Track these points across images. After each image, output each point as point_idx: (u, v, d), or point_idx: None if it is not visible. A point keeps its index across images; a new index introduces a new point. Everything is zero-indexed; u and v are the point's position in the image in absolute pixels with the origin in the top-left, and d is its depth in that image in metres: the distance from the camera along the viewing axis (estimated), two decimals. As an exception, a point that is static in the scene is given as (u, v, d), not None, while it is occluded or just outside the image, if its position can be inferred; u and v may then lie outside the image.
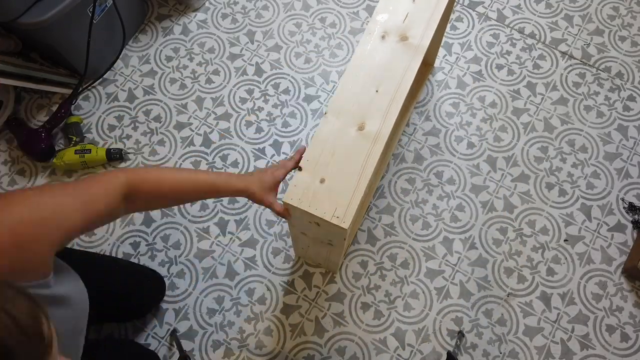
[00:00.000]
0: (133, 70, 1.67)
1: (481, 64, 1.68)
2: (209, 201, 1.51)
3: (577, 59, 1.69)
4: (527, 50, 1.70)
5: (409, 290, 1.42)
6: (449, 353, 1.31)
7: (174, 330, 1.38)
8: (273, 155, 1.57)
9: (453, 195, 1.51)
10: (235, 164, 1.56)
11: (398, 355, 1.35)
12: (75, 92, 1.57)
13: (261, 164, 1.57)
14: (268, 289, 1.42)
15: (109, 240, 1.46)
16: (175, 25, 1.74)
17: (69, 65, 1.60)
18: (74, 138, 1.53)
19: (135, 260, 1.44)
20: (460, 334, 1.36)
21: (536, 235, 1.47)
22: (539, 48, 1.70)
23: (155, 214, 1.49)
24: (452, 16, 1.75)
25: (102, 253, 1.45)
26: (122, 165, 1.56)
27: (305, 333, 1.38)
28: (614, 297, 1.41)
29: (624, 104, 1.62)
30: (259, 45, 1.71)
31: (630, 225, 1.48)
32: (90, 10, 1.44)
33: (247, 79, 1.66)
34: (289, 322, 1.39)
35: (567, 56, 1.69)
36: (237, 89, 1.65)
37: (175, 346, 1.34)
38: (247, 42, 1.71)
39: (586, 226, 1.48)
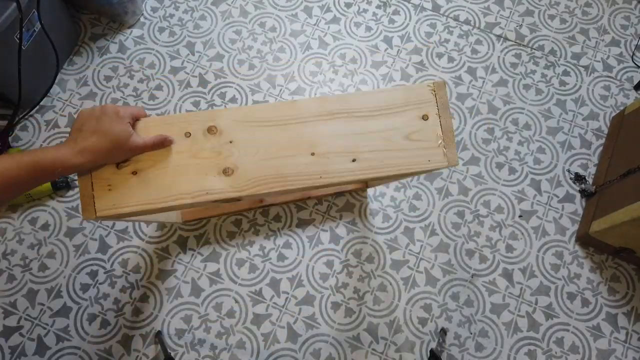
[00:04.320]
0: (71, 94, 1.61)
1: (422, 54, 1.71)
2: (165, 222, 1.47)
3: (511, 41, 1.74)
4: (464, 37, 1.74)
5: (376, 284, 1.43)
6: (431, 351, 1.32)
7: (159, 332, 1.35)
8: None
9: (409, 185, 1.54)
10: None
11: (373, 349, 1.36)
12: (11, 123, 1.50)
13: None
14: (236, 301, 1.40)
15: (64, 272, 1.40)
16: (111, 44, 1.69)
17: (0, 95, 1.52)
18: (15, 171, 1.46)
19: (94, 291, 1.39)
20: (443, 332, 1.37)
21: (492, 215, 1.51)
22: (475, 33, 1.75)
23: (111, 239, 1.44)
24: (389, 9, 1.77)
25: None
26: (70, 194, 1.50)
27: (279, 341, 1.36)
28: (570, 265, 1.47)
29: (560, 79, 1.69)
30: (200, 56, 1.68)
31: (578, 195, 1.54)
32: (18, 36, 1.38)
33: (191, 91, 1.63)
34: (261, 331, 1.37)
35: (502, 39, 1.75)
36: (183, 102, 1.62)
37: (160, 347, 1.32)
38: (188, 54, 1.68)
39: (538, 200, 1.53)
